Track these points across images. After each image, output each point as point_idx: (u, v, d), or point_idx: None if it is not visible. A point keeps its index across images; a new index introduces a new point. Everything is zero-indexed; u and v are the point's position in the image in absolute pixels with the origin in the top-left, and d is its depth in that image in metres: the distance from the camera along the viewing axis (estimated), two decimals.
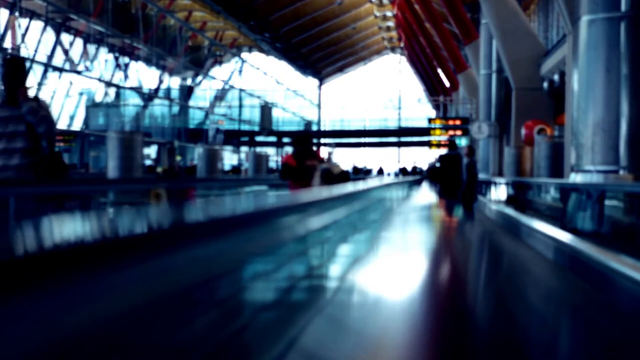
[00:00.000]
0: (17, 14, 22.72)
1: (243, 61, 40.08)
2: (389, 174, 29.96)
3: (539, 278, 4.45)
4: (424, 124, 31.37)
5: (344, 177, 5.38)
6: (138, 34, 27.81)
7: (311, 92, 52.01)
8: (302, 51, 43.26)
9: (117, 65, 29.46)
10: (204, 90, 38.16)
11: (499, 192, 10.80)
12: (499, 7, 16.97)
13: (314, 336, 2.26)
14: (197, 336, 1.43)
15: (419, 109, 43.48)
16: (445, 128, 24.93)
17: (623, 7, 7.75)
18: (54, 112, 26.55)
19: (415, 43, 37.60)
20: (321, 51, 45.31)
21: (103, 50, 28.30)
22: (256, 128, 33.09)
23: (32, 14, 24.98)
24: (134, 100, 30.55)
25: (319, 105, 52.96)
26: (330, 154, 34.23)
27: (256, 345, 1.88)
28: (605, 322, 2.97)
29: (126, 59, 30.04)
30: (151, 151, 27.33)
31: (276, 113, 37.28)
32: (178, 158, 22.76)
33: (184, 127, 32.37)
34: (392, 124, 46.00)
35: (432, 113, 41.22)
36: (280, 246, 2.30)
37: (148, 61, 30.78)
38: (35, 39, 25.09)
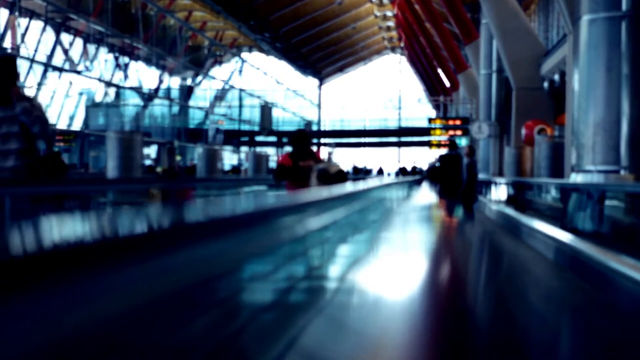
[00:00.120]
0: (16, 13, 22.72)
1: (243, 61, 40.08)
2: (389, 174, 29.95)
3: (539, 278, 4.45)
4: (424, 124, 31.37)
5: (341, 176, 5.33)
6: (138, 33, 27.81)
7: (311, 92, 52.02)
8: (302, 51, 43.26)
9: (117, 65, 29.46)
10: (204, 90, 38.16)
11: (499, 192, 10.79)
12: (499, 7, 16.96)
13: (314, 336, 2.26)
14: (196, 337, 1.42)
15: (419, 109, 43.50)
16: (446, 128, 24.93)
17: (624, 7, 7.74)
18: (54, 112, 26.60)
19: (415, 43, 37.60)
20: (321, 51, 45.32)
21: (103, 50, 28.30)
22: (256, 128, 33.10)
23: (31, 14, 24.99)
24: (133, 100, 30.55)
25: (319, 105, 52.96)
26: (330, 154, 34.24)
27: (255, 346, 1.88)
28: (605, 322, 2.97)
29: (126, 59, 30.04)
30: (151, 151, 27.33)
31: (276, 113, 37.29)
32: (178, 158, 22.76)
33: (183, 127, 32.38)
34: (392, 124, 46.00)
35: (432, 113, 41.23)
36: (279, 247, 2.29)
37: (148, 61, 30.78)
38: (35, 38, 25.09)
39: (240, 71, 39.94)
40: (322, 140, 39.93)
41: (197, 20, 34.73)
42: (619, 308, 3.28)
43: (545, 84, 16.37)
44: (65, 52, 27.06)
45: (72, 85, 27.62)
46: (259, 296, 2.06)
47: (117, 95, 29.49)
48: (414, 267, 4.61)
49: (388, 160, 43.30)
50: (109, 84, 28.64)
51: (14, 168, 3.78)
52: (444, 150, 20.81)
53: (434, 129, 25.64)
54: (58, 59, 26.59)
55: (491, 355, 2.43)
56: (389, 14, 41.20)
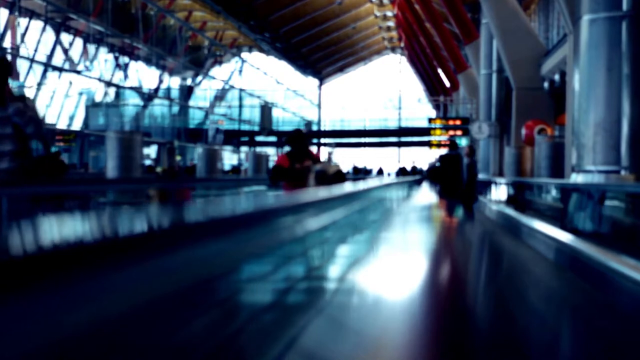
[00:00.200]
0: (16, 13, 22.72)
1: (243, 61, 40.07)
2: (389, 174, 29.93)
3: (539, 278, 4.44)
4: (424, 124, 31.36)
5: (339, 177, 5.31)
6: (138, 33, 27.80)
7: (311, 92, 51.99)
8: (302, 51, 43.25)
9: (117, 65, 29.45)
10: (204, 90, 38.14)
11: (499, 192, 10.79)
12: (499, 7, 16.96)
13: (313, 337, 2.25)
14: (196, 337, 1.42)
15: (419, 109, 43.48)
16: (446, 128, 24.93)
17: (624, 6, 7.73)
18: (54, 112, 26.59)
19: (415, 43, 37.59)
20: (321, 51, 45.30)
21: (103, 50, 28.29)
22: (256, 128, 33.09)
23: (31, 14, 24.98)
24: (133, 100, 30.53)
25: (319, 105, 52.94)
26: (330, 154, 34.23)
27: (255, 346, 1.88)
28: (605, 322, 2.97)
29: (126, 59, 30.02)
30: (151, 151, 27.31)
31: (276, 113, 37.28)
32: (178, 158, 22.74)
33: (183, 127, 32.36)
34: (392, 124, 45.98)
35: (433, 113, 41.20)
36: (279, 247, 2.29)
37: (148, 61, 30.77)
38: (34, 38, 25.08)
39: (240, 71, 39.94)
40: (322, 140, 39.92)
41: (197, 20, 34.72)
42: (619, 308, 3.28)
43: (546, 84, 16.36)
44: (65, 52, 27.05)
45: (72, 85, 27.61)
46: (258, 297, 2.06)
47: (117, 95, 29.48)
48: (414, 268, 4.61)
49: (388, 160, 43.29)
50: (108, 83, 28.63)
51: (8, 170, 3.72)
52: (444, 150, 20.80)
53: (434, 129, 25.64)
54: (58, 59, 26.59)
55: (491, 355, 2.42)
56: (389, 14, 41.18)
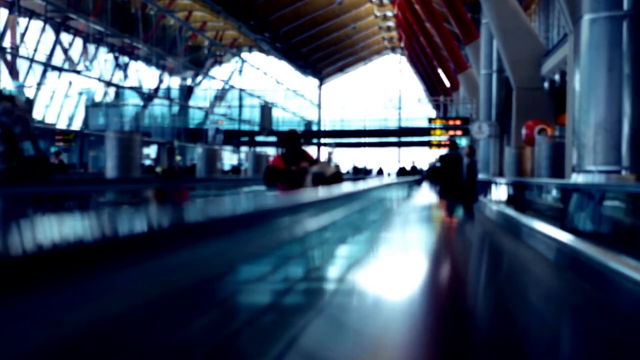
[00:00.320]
0: (16, 13, 22.70)
1: (243, 61, 40.05)
2: (389, 174, 29.92)
3: (539, 278, 4.44)
4: (424, 124, 31.36)
5: (337, 179, 5.26)
6: (138, 33, 27.79)
7: (311, 92, 51.98)
8: (302, 51, 43.23)
9: (117, 65, 29.44)
10: (204, 90, 38.12)
11: (500, 193, 10.78)
12: (499, 7, 16.95)
13: (313, 337, 2.25)
14: (195, 337, 1.41)
15: (419, 109, 43.47)
16: (446, 128, 24.92)
17: (625, 6, 7.72)
18: (54, 111, 26.58)
19: (415, 43, 37.58)
20: (321, 51, 45.29)
21: (103, 50, 28.28)
22: (256, 128, 33.08)
23: (31, 14, 24.97)
24: (133, 100, 30.51)
25: (319, 105, 52.93)
26: (330, 154, 34.22)
27: (254, 346, 1.87)
28: (605, 322, 2.96)
29: (126, 59, 30.01)
30: (151, 151, 27.30)
31: (276, 113, 37.27)
32: (178, 158, 22.72)
33: (183, 127, 32.34)
34: (392, 124, 45.94)
35: (433, 113, 41.20)
36: (278, 247, 2.28)
37: (148, 61, 30.76)
38: (34, 38, 25.07)
39: (240, 71, 39.92)
40: (322, 140, 39.90)
41: (197, 20, 34.71)
42: (619, 308, 3.27)
43: (546, 84, 16.36)
44: (65, 51, 27.04)
45: (72, 85, 27.60)
46: (257, 297, 2.05)
47: (117, 95, 29.46)
48: (414, 268, 4.60)
49: (388, 160, 43.29)
50: (108, 83, 28.61)
51: None
52: (444, 150, 20.80)
53: (434, 129, 25.63)
54: (58, 59, 26.58)
55: (492, 355, 2.42)
56: (389, 14, 41.17)
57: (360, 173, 29.48)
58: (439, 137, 25.30)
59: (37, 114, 24.98)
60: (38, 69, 25.00)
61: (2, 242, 0.84)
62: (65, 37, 27.06)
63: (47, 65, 25.59)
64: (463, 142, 23.11)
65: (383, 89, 51.40)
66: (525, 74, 16.76)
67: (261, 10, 34.62)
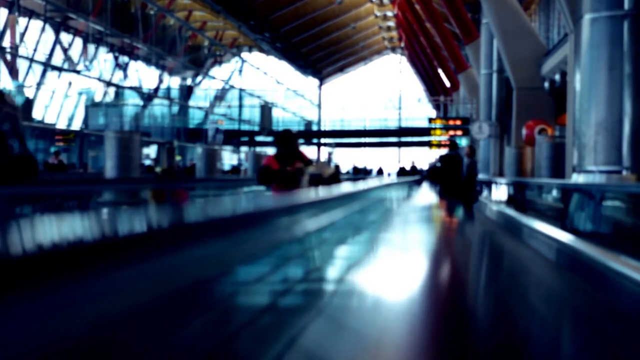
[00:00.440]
0: (16, 13, 22.70)
1: (243, 61, 40.08)
2: (389, 174, 29.93)
3: (539, 279, 4.42)
4: (424, 124, 31.38)
5: (335, 179, 5.21)
6: (138, 33, 27.80)
7: (311, 92, 52.04)
8: (302, 51, 43.28)
9: (117, 65, 29.46)
10: (204, 90, 38.15)
11: (500, 193, 10.77)
12: (499, 7, 16.95)
13: (313, 337, 2.22)
14: (194, 338, 1.39)
15: (419, 109, 43.52)
16: (446, 128, 24.94)
17: (626, 5, 7.70)
18: (54, 111, 26.59)
19: (415, 43, 37.61)
20: (321, 51, 45.34)
21: (102, 50, 28.30)
22: (256, 128, 33.09)
23: (31, 13, 24.98)
24: (133, 100, 30.53)
25: (319, 105, 52.99)
26: (330, 154, 34.25)
27: (254, 347, 1.85)
28: (606, 323, 2.95)
29: (126, 59, 30.03)
30: (151, 151, 27.31)
31: (276, 113, 37.29)
32: (178, 158, 22.72)
33: (183, 127, 32.36)
34: (392, 124, 46.01)
35: (433, 113, 41.24)
36: (277, 248, 2.26)
37: (148, 61, 30.77)
38: (34, 38, 25.08)
39: (240, 71, 39.94)
40: (322, 140, 39.93)
41: (197, 20, 34.73)
42: (619, 309, 3.25)
43: (546, 84, 16.35)
44: (65, 51, 27.05)
45: (72, 85, 27.62)
46: (256, 298, 2.03)
47: (117, 95, 29.48)
48: (414, 269, 4.58)
49: (388, 160, 43.34)
50: (108, 83, 28.63)
51: None
52: (444, 150, 20.79)
53: (434, 129, 25.65)
54: (57, 59, 26.59)
55: (492, 356, 2.40)
56: (389, 14, 41.21)
57: (360, 173, 29.49)
58: (439, 137, 25.31)
59: (36, 113, 25.00)
60: (38, 69, 25.02)
61: (2, 242, 0.84)
62: (65, 37, 27.07)
63: (47, 65, 25.61)
64: (463, 142, 23.12)
65: (383, 89, 51.48)
66: (525, 73, 16.76)
67: (261, 10, 34.65)
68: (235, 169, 24.27)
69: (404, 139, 39.90)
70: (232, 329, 1.73)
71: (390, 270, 4.21)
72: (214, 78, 38.50)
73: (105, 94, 29.28)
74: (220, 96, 38.41)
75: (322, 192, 3.28)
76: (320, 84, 52.88)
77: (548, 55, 16.17)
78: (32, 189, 3.83)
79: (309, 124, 44.96)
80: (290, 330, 2.17)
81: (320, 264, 3.19)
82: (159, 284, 1.20)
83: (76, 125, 27.62)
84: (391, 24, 43.60)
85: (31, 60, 24.43)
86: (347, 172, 27.96)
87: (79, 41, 27.61)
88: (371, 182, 6.73)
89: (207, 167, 12.68)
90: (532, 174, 15.03)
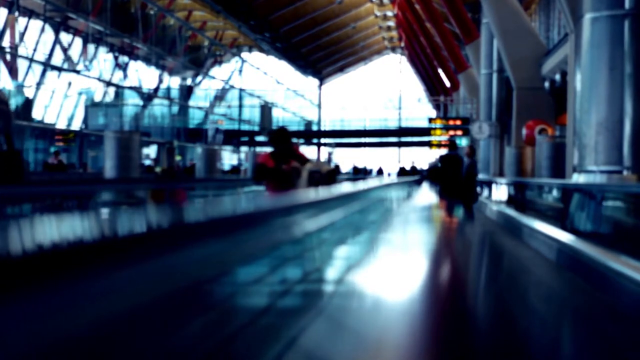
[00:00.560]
0: (16, 12, 22.69)
1: (243, 61, 40.06)
2: (389, 174, 29.92)
3: (539, 279, 4.42)
4: (424, 124, 31.36)
5: (333, 176, 5.17)
6: (137, 33, 27.78)
7: (311, 92, 52.01)
8: (302, 51, 43.26)
9: (117, 65, 29.44)
10: (204, 90, 38.13)
11: (500, 193, 10.77)
12: (499, 7, 16.94)
13: (312, 338, 2.22)
14: (194, 338, 1.38)
15: (419, 109, 43.50)
16: (446, 128, 24.92)
17: (627, 5, 7.69)
18: (53, 111, 26.59)
19: (415, 43, 37.60)
20: (321, 51, 45.33)
21: (102, 50, 28.28)
22: (256, 128, 33.06)
23: (30, 13, 24.96)
24: (133, 99, 30.51)
25: (319, 105, 52.97)
26: (330, 154, 34.22)
27: (253, 347, 1.84)
28: (606, 323, 2.95)
29: (125, 59, 30.01)
30: (150, 151, 27.30)
31: (276, 113, 37.25)
32: (178, 158, 22.71)
33: (183, 127, 32.34)
34: (392, 124, 45.99)
35: (433, 113, 41.23)
36: (276, 248, 2.26)
37: (147, 61, 30.75)
38: (34, 38, 25.06)
39: (240, 71, 39.92)
40: (322, 140, 39.91)
41: (197, 20, 34.71)
42: (619, 309, 3.25)
43: (546, 84, 16.35)
44: (65, 51, 27.03)
45: (72, 84, 27.60)
46: (255, 299, 2.02)
47: (117, 95, 29.46)
48: (414, 269, 4.57)
49: (388, 160, 43.32)
50: (108, 83, 28.62)
51: None
52: (444, 151, 20.79)
53: (434, 129, 25.63)
54: (57, 59, 26.57)
55: (492, 356, 2.39)
56: (389, 13, 41.19)
57: (360, 173, 29.48)
58: (439, 137, 25.30)
59: (36, 113, 24.99)
60: (37, 69, 24.99)
61: (2, 242, 0.83)
62: (65, 37, 27.05)
63: (47, 65, 25.59)
64: (463, 142, 23.11)
65: (383, 89, 51.47)
66: (525, 73, 16.75)
67: (261, 10, 34.63)
68: (235, 169, 24.26)
69: (404, 139, 39.88)
70: (232, 330, 1.72)
71: (390, 271, 4.21)
72: (214, 78, 38.48)
73: (105, 94, 29.28)
74: (220, 96, 38.39)
75: (322, 192, 3.28)
76: (320, 84, 52.86)
77: (548, 55, 16.16)
78: (32, 189, 3.82)
79: (309, 124, 44.93)
80: (290, 330, 2.16)
81: (319, 265, 3.18)
82: (158, 284, 1.19)
83: (76, 125, 27.61)
84: (391, 24, 43.58)
85: (31, 60, 24.42)
86: (347, 173, 27.95)
87: (78, 41, 27.59)
88: (371, 182, 6.73)
89: (207, 167, 12.67)
90: (532, 174, 15.02)
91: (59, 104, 26.99)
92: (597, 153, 7.77)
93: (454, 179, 11.08)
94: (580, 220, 5.13)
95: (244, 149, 32.99)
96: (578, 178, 8.03)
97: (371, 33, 45.84)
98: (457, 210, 10.73)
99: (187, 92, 35.00)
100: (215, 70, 39.69)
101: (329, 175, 5.08)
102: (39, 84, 24.89)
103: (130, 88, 29.97)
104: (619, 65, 7.66)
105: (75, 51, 27.69)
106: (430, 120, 26.23)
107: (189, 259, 1.33)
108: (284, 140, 5.13)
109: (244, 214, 1.81)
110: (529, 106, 16.49)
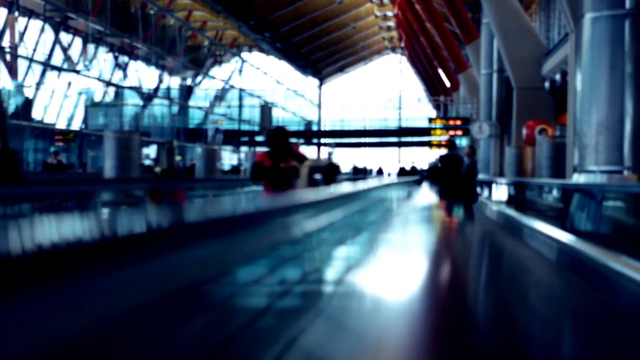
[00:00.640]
0: (15, 12, 22.69)
1: (243, 61, 40.05)
2: (389, 174, 29.92)
3: (539, 279, 4.41)
4: (424, 124, 31.36)
5: (332, 171, 5.15)
6: (137, 33, 27.78)
7: (311, 92, 52.01)
8: (302, 51, 43.26)
9: (117, 65, 29.44)
10: (204, 90, 38.13)
11: (500, 193, 10.77)
12: (500, 7, 16.94)
13: (312, 338, 2.22)
14: (194, 338, 1.38)
15: (419, 109, 43.50)
16: (446, 128, 24.92)
17: (627, 5, 7.69)
18: (53, 111, 26.58)
19: (415, 43, 37.60)
20: (321, 51, 45.33)
21: (102, 50, 28.27)
22: (256, 128, 33.05)
23: (30, 13, 24.96)
24: (133, 99, 30.51)
25: (319, 105, 52.97)
26: (330, 154, 34.22)
27: (253, 347, 1.84)
28: (606, 323, 2.94)
29: (125, 59, 30.01)
30: (150, 151, 27.30)
31: (276, 113, 37.25)
32: (178, 158, 22.71)
33: (183, 127, 32.33)
34: (392, 124, 45.99)
35: (433, 113, 41.23)
36: (276, 248, 2.25)
37: (147, 61, 30.75)
38: (34, 38, 25.06)
39: (240, 71, 39.92)
40: (322, 140, 39.90)
41: (197, 20, 34.71)
42: (620, 309, 3.24)
43: (547, 84, 16.35)
44: (65, 51, 27.03)
45: (71, 84, 27.60)
46: (255, 299, 2.02)
47: (117, 94, 29.46)
48: (414, 269, 4.57)
49: (388, 160, 43.32)
50: (108, 83, 28.62)
51: None
52: (444, 150, 20.77)
53: (435, 129, 25.63)
54: (57, 59, 26.57)
55: (492, 356, 2.39)
56: (389, 13, 41.19)
57: (360, 173, 29.48)
58: (439, 137, 25.30)
59: (36, 113, 24.98)
60: (37, 69, 24.99)
61: (2, 242, 0.83)
62: (65, 37, 27.04)
63: (47, 65, 25.58)
64: (463, 142, 23.11)
65: (383, 89, 51.46)
66: (525, 73, 16.75)
67: (261, 10, 34.64)
68: (235, 169, 24.26)
69: (404, 139, 39.88)
70: (232, 330, 1.72)
71: (390, 271, 4.20)
72: (214, 78, 38.48)
73: (104, 93, 29.27)
74: (220, 96, 38.39)
75: (322, 192, 3.28)
76: (320, 84, 52.86)
77: (548, 55, 16.16)
78: (29, 189, 3.82)
79: (309, 124, 44.93)
80: (290, 331, 2.16)
81: (319, 265, 3.18)
82: (158, 284, 1.19)
83: (76, 125, 27.60)
84: (391, 24, 43.59)
85: (31, 60, 24.41)
86: (347, 173, 27.94)
87: (78, 41, 27.59)
88: (371, 182, 6.73)
89: (207, 167, 12.67)
90: (532, 174, 15.02)
91: (58, 103, 26.98)
92: (597, 153, 7.76)
93: (454, 179, 11.07)
94: (580, 221, 5.13)
95: (243, 149, 33.00)
96: (578, 178, 8.03)
97: (371, 33, 45.84)
98: (457, 210, 10.72)
99: (187, 92, 35.00)
100: (215, 70, 39.68)
101: (329, 170, 5.06)
102: (38, 84, 24.89)
103: (130, 88, 29.97)
104: (620, 65, 7.66)
105: (75, 51, 27.69)
106: (430, 120, 26.23)
107: (189, 259, 1.33)
108: (281, 139, 5.06)
109: (244, 214, 1.81)
110: (529, 106, 16.49)
